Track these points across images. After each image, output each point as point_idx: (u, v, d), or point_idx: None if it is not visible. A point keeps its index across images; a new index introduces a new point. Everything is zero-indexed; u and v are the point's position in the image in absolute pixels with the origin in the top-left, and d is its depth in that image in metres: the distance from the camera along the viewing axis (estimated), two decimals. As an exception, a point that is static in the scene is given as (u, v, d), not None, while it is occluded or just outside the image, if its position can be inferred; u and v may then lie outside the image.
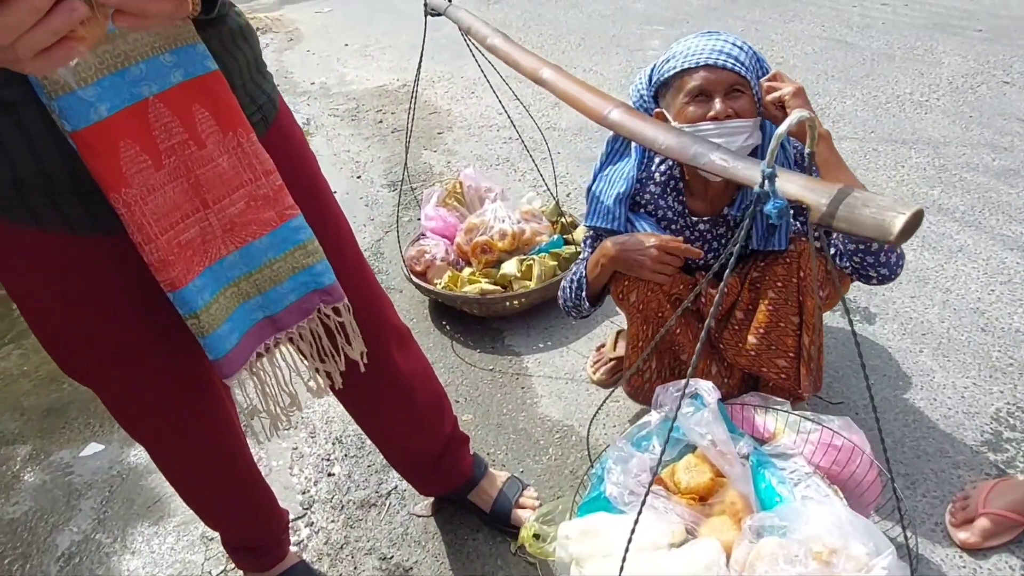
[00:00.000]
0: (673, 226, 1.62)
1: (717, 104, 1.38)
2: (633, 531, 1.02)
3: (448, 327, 2.31)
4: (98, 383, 1.11)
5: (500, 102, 2.36)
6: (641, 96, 1.60)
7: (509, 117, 2.42)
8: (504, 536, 1.60)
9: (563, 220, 2.46)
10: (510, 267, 2.23)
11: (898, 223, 0.70)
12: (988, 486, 1.43)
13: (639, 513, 1.02)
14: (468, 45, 2.04)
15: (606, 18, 5.44)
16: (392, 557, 1.60)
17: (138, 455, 1.98)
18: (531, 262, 2.23)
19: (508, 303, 2.17)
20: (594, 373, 2.00)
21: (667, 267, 1.50)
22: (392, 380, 1.36)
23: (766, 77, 1.42)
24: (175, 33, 0.88)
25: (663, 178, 1.62)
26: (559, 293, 1.74)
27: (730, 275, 0.85)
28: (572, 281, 1.69)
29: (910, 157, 2.87)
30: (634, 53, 4.62)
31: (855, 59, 3.99)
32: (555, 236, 2.38)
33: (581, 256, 1.74)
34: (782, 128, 0.77)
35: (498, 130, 3.82)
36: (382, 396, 1.37)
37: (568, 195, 2.98)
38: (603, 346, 2.07)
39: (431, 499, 1.69)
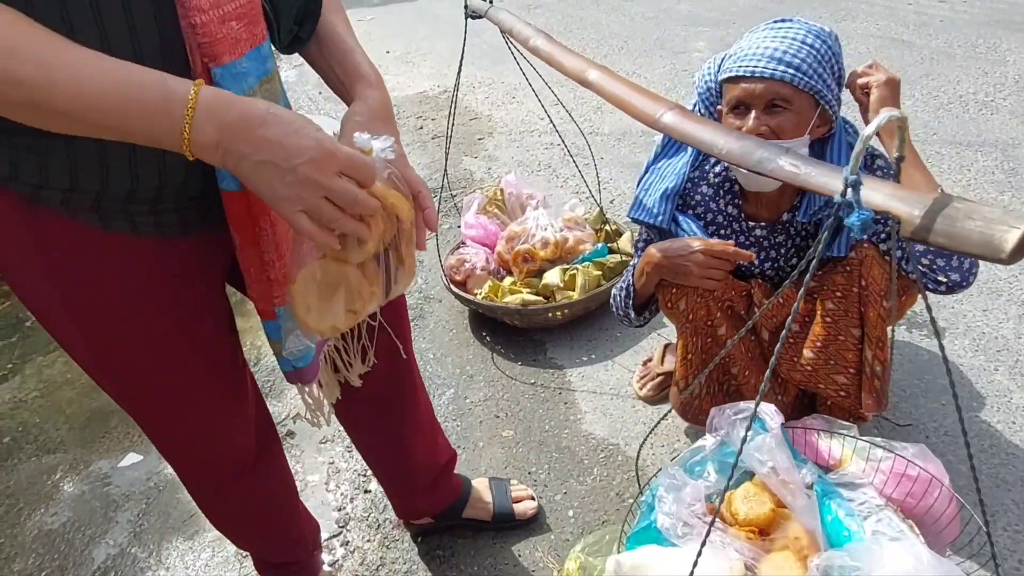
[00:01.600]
0: (725, 231, 1.53)
1: (750, 120, 1.29)
2: (695, 566, 0.93)
3: (488, 338, 2.24)
4: (136, 392, 1.06)
5: (542, 106, 2.29)
6: (709, 88, 1.52)
7: (552, 121, 2.35)
8: (546, 563, 1.52)
9: (607, 228, 2.37)
10: (553, 277, 2.16)
11: (1011, 239, 0.60)
12: (1082, 523, 1.30)
13: (701, 549, 0.93)
14: (510, 47, 1.97)
15: (649, 20, 5.33)
16: (429, 582, 1.53)
17: (175, 467, 1.96)
18: (574, 272, 2.15)
19: (550, 314, 2.09)
20: (640, 389, 1.91)
21: (715, 272, 1.40)
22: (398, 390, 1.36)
23: (863, 66, 1.35)
24: None
25: (717, 180, 1.53)
26: (611, 300, 1.67)
27: (809, 281, 0.76)
28: (622, 289, 1.62)
29: (976, 160, 2.70)
30: (679, 56, 4.51)
31: (913, 58, 3.82)
32: (599, 244, 2.29)
33: (632, 262, 1.66)
34: (869, 129, 0.68)
35: (539, 136, 3.74)
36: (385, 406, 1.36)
37: (612, 202, 2.89)
38: (650, 360, 1.98)
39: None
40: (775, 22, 1.35)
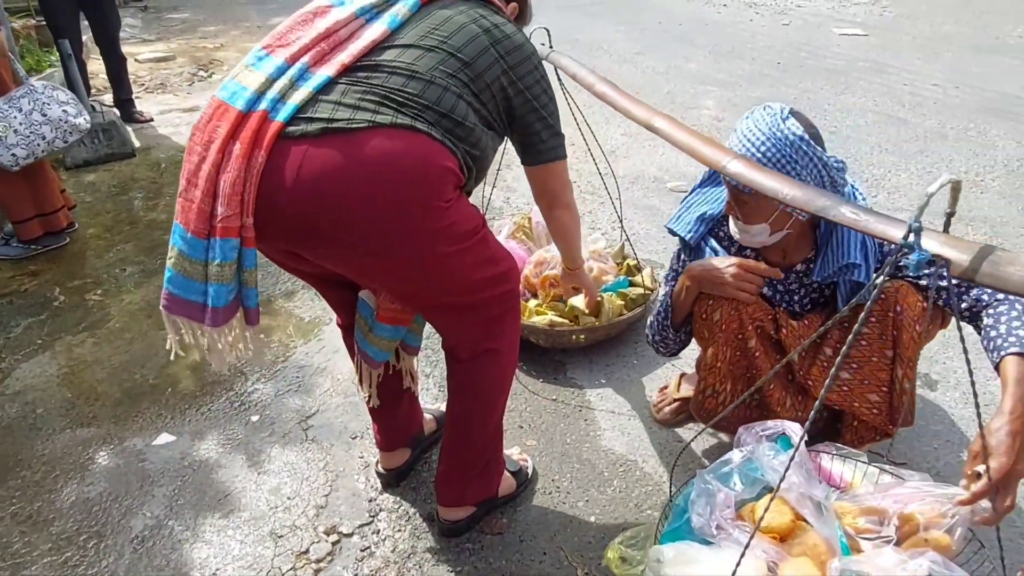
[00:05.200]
0: None
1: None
2: (738, 565, 1.06)
3: (511, 355, 2.37)
4: None
5: (588, 147, 2.47)
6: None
7: (595, 159, 2.52)
8: (571, 563, 1.63)
9: (628, 262, 2.54)
10: (578, 302, 2.30)
11: (1047, 282, 0.77)
12: (1059, 556, 1.46)
13: (743, 552, 1.06)
14: (565, 94, 2.16)
15: (660, 75, 5.61)
16: (461, 571, 1.63)
17: (208, 449, 2.04)
18: (599, 299, 2.30)
19: (575, 336, 2.24)
20: (658, 412, 2.05)
21: (748, 285, 1.60)
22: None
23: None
24: None
25: None
26: (647, 330, 1.83)
27: (869, 310, 0.91)
28: (659, 312, 1.79)
29: (967, 233, 2.93)
30: (689, 111, 4.75)
31: (908, 135, 4.09)
32: (621, 276, 2.45)
33: (663, 291, 1.83)
34: (932, 188, 0.84)
35: (556, 172, 3.93)
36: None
37: (628, 239, 3.05)
38: (666, 387, 2.12)
39: (502, 519, 1.74)
40: (752, 117, 1.51)
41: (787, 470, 1.04)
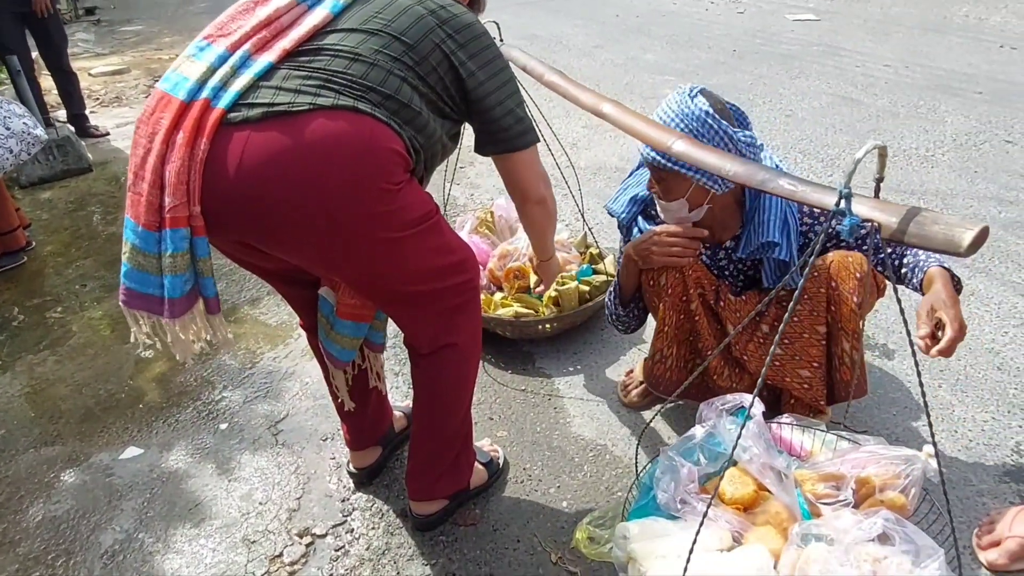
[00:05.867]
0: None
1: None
2: (697, 534, 1.09)
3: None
4: None
5: (546, 142, 2.47)
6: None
7: (552, 153, 2.53)
8: (544, 548, 1.65)
9: (591, 251, 2.56)
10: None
11: (967, 237, 0.80)
12: (1015, 511, 1.50)
13: (702, 520, 1.09)
14: (521, 89, 2.16)
15: (619, 67, 5.65)
16: (436, 564, 1.64)
17: (177, 460, 2.02)
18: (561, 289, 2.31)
19: (540, 327, 2.25)
20: (625, 396, 2.07)
21: (675, 250, 1.63)
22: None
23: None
24: None
25: None
26: (606, 312, 1.86)
27: (806, 278, 0.94)
28: (611, 293, 1.84)
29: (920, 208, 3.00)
30: (648, 100, 4.80)
31: (861, 115, 4.17)
32: (584, 265, 2.47)
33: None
34: (859, 154, 0.87)
35: (519, 167, 3.94)
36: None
37: (591, 229, 3.08)
38: (633, 371, 2.15)
39: (475, 510, 1.75)
40: (663, 101, 1.57)
41: (739, 437, 1.06)
